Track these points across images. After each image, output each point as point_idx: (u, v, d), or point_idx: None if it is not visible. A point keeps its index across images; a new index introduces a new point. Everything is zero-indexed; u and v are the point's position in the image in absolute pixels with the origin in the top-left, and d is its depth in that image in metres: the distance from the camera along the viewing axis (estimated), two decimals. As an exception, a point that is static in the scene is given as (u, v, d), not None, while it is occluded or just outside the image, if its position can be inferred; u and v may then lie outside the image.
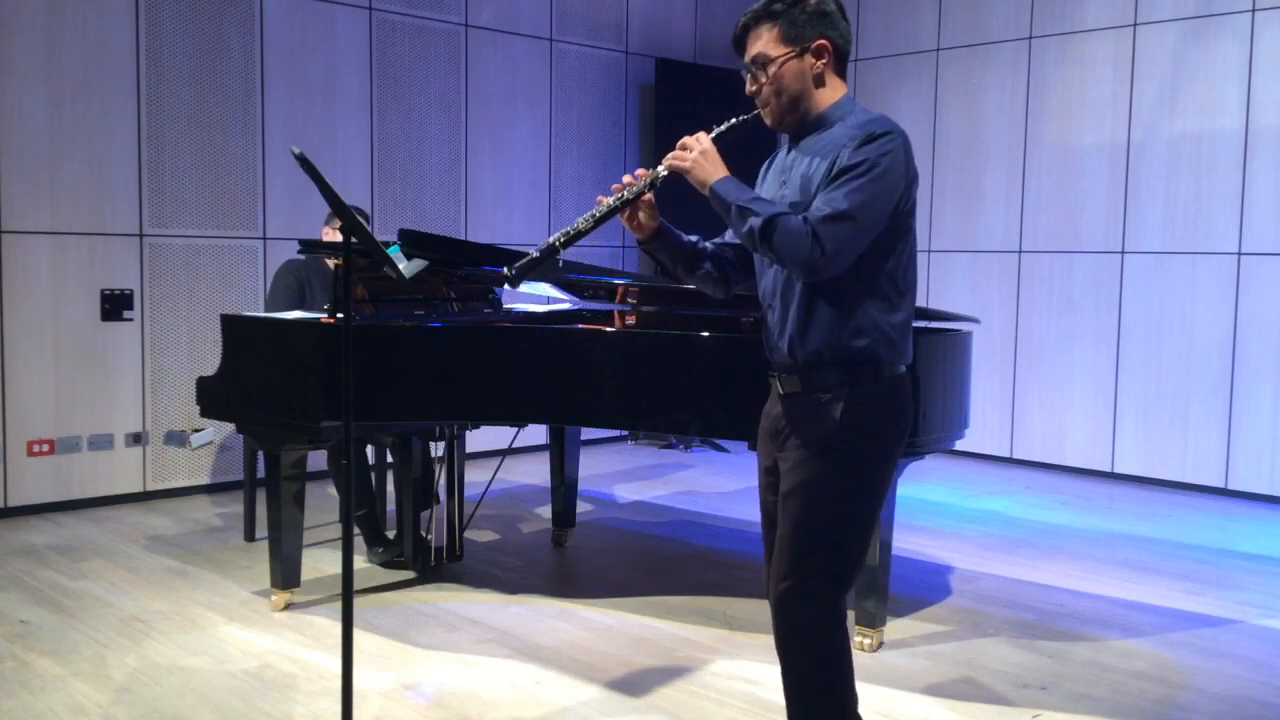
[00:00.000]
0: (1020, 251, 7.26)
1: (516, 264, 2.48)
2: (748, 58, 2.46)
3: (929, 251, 7.67)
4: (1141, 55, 6.71)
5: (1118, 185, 6.83)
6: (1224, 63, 6.40)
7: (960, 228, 7.55)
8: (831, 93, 2.44)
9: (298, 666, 3.63)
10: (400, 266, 3.44)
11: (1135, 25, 6.73)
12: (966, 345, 4.13)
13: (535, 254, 2.47)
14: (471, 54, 7.03)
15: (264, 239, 6.23)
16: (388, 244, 3.93)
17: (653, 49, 7.95)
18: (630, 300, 4.54)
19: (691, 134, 2.46)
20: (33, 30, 5.45)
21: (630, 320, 4.59)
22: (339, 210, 2.78)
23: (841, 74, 2.47)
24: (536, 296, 5.60)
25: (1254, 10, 6.30)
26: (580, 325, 4.39)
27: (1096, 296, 6.93)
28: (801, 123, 2.46)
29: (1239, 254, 6.37)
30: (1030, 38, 7.17)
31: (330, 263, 4.94)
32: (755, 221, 2.31)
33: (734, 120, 2.49)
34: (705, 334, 3.83)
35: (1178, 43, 6.57)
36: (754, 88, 2.46)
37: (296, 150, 2.61)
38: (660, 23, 8.03)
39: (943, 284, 7.62)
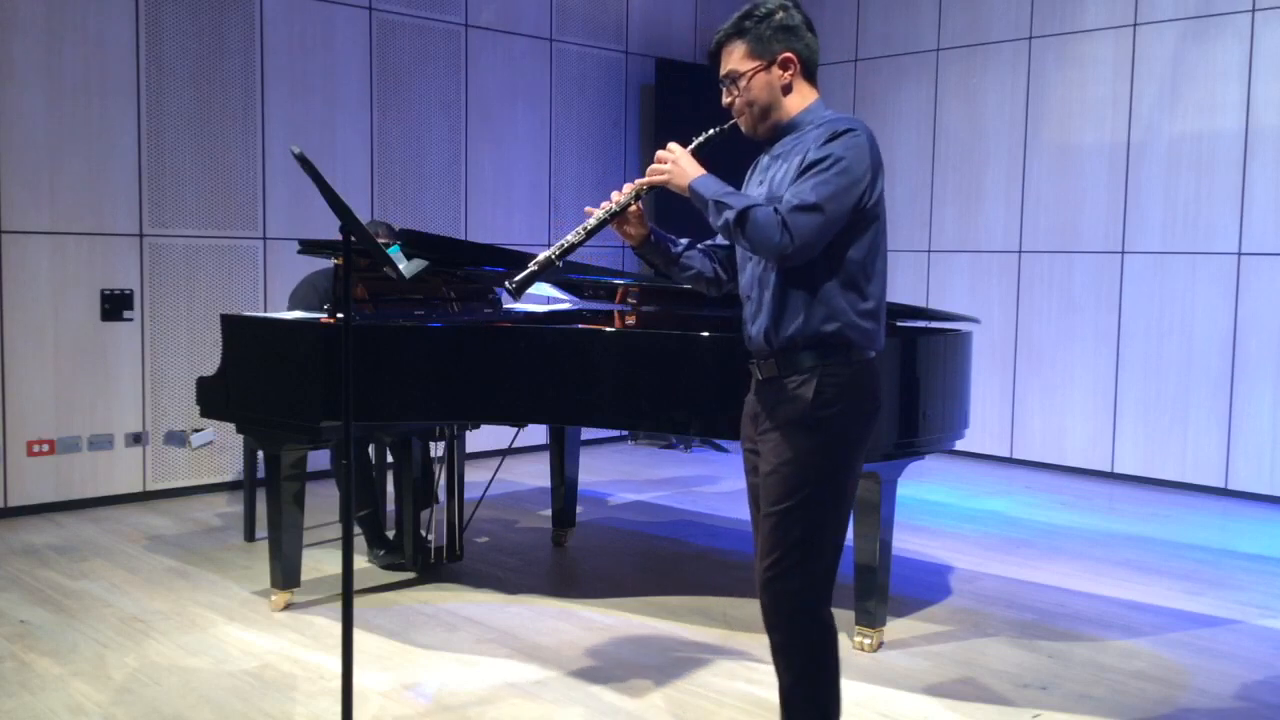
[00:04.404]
0: (1020, 251, 7.26)
1: (516, 278, 2.62)
2: (722, 73, 2.64)
3: (929, 252, 7.67)
4: (1141, 55, 6.71)
5: (1118, 185, 6.83)
6: (1224, 63, 6.40)
7: (960, 228, 7.55)
8: (800, 100, 2.61)
9: (298, 666, 3.63)
10: (400, 266, 3.45)
11: (1135, 25, 6.73)
12: (966, 345, 4.13)
13: (534, 267, 2.62)
14: (471, 54, 7.03)
15: (264, 239, 6.23)
16: (388, 244, 3.93)
17: (653, 49, 7.95)
18: (630, 300, 4.54)
19: (687, 137, 2.65)
20: (33, 30, 5.45)
21: (630, 320, 4.59)
22: (337, 210, 2.78)
23: (811, 81, 2.63)
24: (537, 296, 5.60)
25: (1254, 10, 6.30)
26: (580, 325, 4.39)
27: (1096, 296, 6.93)
28: (775, 129, 2.63)
29: (1239, 254, 6.37)
30: (1030, 38, 7.17)
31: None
32: (730, 214, 2.47)
33: (711, 131, 2.67)
34: (705, 334, 3.82)
35: (1178, 43, 6.57)
36: (729, 100, 2.64)
37: (296, 150, 2.61)
38: (660, 23, 8.03)
39: (943, 284, 7.62)
